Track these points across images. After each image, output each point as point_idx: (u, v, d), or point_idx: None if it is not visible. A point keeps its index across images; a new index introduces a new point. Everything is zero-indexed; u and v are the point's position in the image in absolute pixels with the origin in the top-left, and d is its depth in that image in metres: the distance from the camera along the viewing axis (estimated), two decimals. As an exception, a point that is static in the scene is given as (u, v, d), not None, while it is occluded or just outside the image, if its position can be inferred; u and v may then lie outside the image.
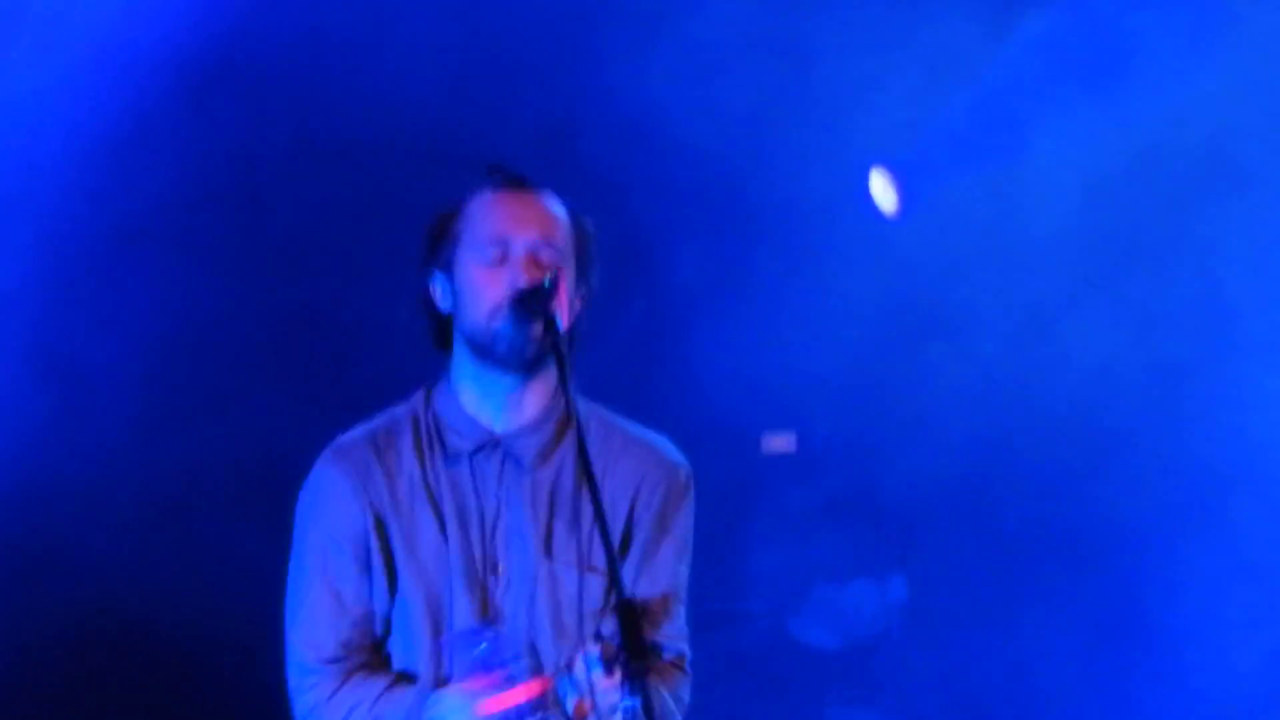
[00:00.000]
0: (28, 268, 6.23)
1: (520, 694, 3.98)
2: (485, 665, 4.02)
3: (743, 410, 7.13)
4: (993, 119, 6.99)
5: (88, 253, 6.35)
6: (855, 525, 6.73)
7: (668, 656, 4.35)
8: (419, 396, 4.38)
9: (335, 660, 4.24)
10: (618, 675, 3.86)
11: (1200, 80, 6.82)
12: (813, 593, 6.54)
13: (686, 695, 4.37)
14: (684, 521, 4.37)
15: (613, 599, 3.92)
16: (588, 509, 4.14)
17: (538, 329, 4.14)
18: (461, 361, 4.31)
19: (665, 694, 4.27)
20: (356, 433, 4.36)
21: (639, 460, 4.34)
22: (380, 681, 4.23)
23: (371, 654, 4.28)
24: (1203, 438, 6.99)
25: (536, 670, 4.11)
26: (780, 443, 7.26)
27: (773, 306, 7.20)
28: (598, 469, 4.15)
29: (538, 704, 3.99)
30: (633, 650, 3.85)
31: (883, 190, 7.21)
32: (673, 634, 4.36)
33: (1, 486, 6.19)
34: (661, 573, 4.33)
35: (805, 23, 6.90)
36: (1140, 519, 7.07)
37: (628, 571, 4.29)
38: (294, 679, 4.28)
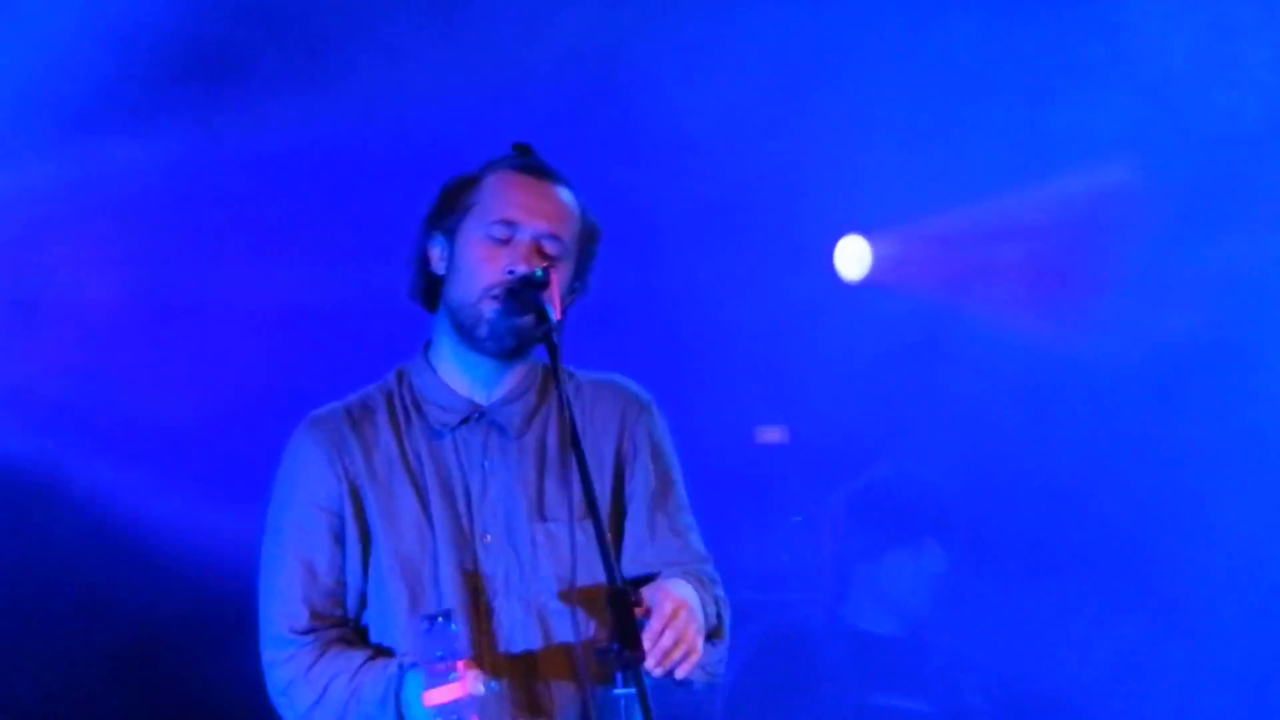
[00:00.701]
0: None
1: (457, 690, 3.92)
2: (428, 654, 3.96)
3: (760, 403, 7.23)
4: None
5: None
6: (886, 514, 6.70)
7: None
8: (391, 375, 4.38)
9: (310, 631, 4.21)
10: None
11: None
12: (852, 576, 6.53)
13: (722, 593, 4.35)
14: (670, 446, 4.41)
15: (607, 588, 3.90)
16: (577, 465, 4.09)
17: (526, 321, 4.17)
18: (442, 335, 4.33)
19: (713, 595, 4.28)
20: (332, 405, 4.36)
21: (611, 403, 4.36)
22: (359, 654, 4.19)
23: (345, 627, 4.25)
24: (1220, 428, 7.01)
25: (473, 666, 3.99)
26: (773, 434, 7.29)
27: (793, 300, 7.29)
28: (577, 420, 4.16)
29: (467, 704, 3.93)
30: (625, 639, 3.86)
31: (852, 257, 7.29)
32: (699, 557, 4.35)
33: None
34: (676, 509, 4.36)
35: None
36: (1174, 508, 7.07)
37: (640, 517, 4.32)
38: (269, 652, 4.25)
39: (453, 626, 3.97)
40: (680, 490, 4.39)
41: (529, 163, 4.34)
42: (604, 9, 6.67)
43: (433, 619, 3.98)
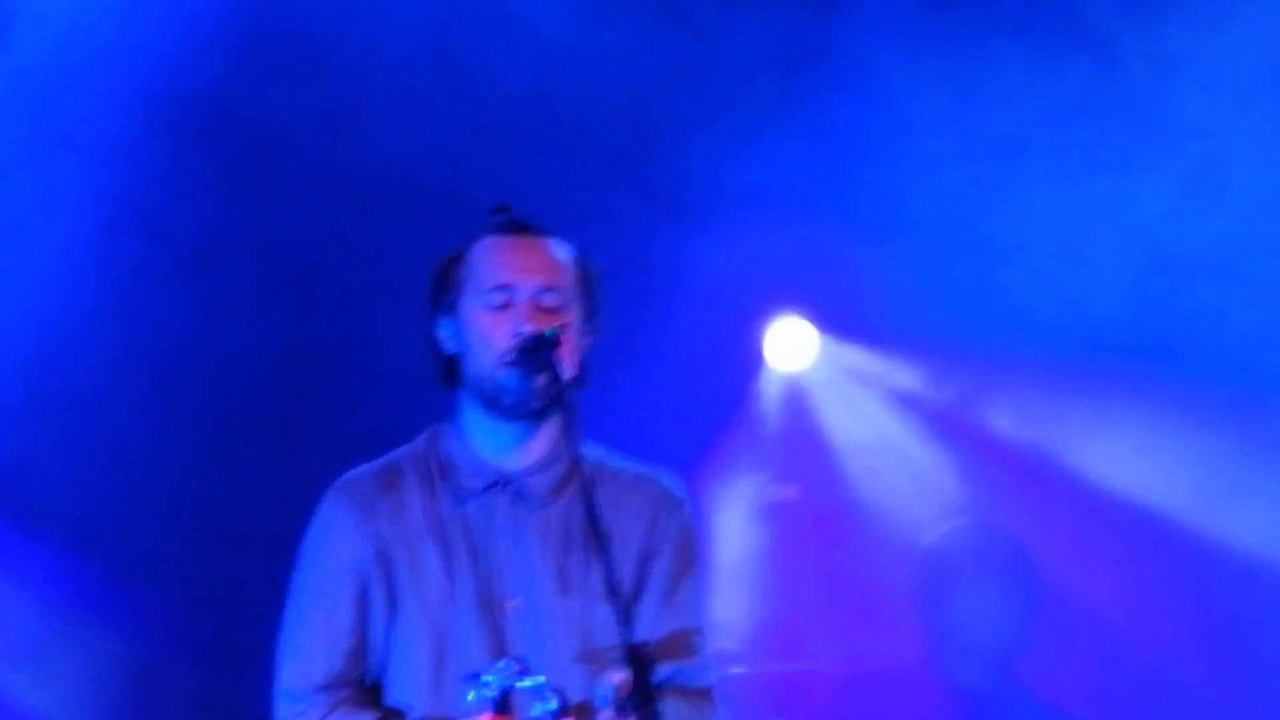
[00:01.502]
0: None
1: None
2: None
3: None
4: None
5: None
6: (959, 563, 6.63)
7: (698, 687, 4.34)
8: (423, 438, 4.44)
9: (323, 689, 4.26)
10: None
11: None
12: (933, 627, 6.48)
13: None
14: (701, 554, 4.43)
15: (623, 645, 3.90)
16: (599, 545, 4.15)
17: (543, 380, 4.21)
18: (469, 405, 4.38)
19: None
20: (362, 469, 4.42)
21: (647, 497, 4.40)
22: (369, 714, 4.26)
23: (359, 688, 4.29)
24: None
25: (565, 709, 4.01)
26: (785, 492, 7.25)
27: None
28: (607, 506, 4.23)
29: None
30: (642, 696, 3.87)
31: (788, 343, 7.19)
32: (701, 665, 4.36)
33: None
34: (686, 608, 4.37)
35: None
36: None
37: (650, 608, 4.33)
38: (282, 707, 4.30)
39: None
40: (694, 591, 4.40)
41: (509, 223, 4.40)
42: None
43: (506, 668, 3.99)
